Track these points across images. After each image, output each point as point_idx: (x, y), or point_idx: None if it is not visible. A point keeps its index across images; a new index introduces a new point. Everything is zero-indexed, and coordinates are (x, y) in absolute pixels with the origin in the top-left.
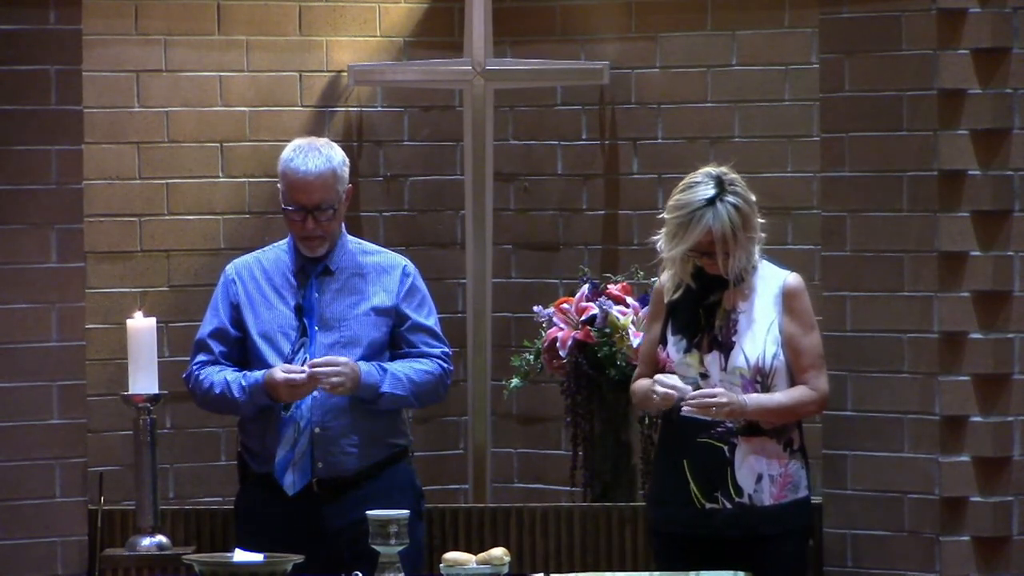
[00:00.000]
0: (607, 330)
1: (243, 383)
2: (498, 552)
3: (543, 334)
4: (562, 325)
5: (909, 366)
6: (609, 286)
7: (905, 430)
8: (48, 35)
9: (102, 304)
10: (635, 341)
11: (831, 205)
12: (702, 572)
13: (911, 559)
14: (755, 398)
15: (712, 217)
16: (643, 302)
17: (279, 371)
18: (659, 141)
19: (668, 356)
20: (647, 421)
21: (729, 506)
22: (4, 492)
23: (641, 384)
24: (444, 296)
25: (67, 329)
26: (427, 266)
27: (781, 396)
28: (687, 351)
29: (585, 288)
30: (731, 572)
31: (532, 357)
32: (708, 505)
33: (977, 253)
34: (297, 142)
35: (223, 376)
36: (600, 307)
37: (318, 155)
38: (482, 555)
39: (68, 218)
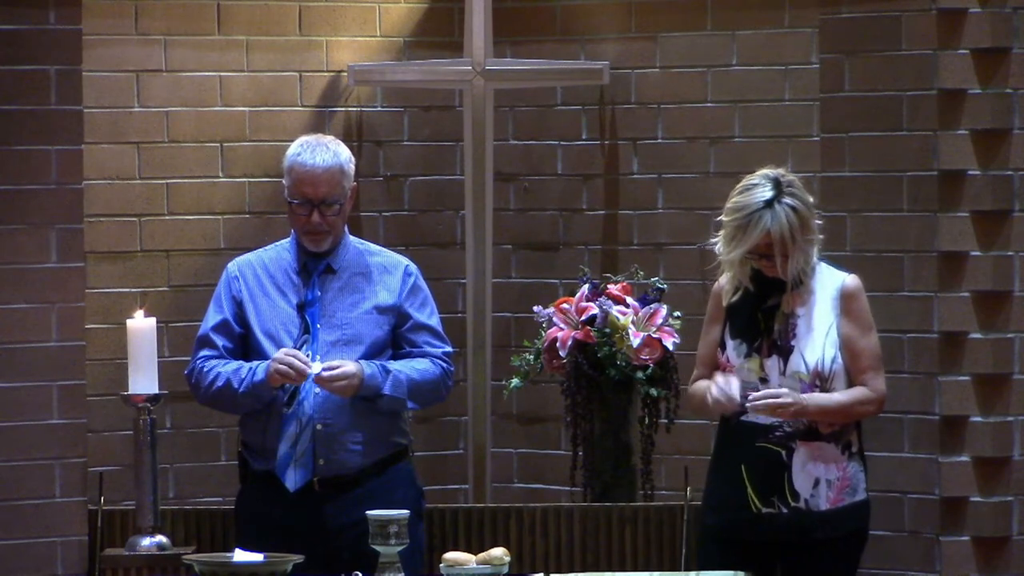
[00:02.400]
0: (607, 330)
1: (249, 369)
2: (498, 552)
3: (543, 334)
4: (562, 325)
5: (909, 366)
6: (609, 286)
7: (905, 430)
8: (48, 35)
9: (102, 304)
10: (635, 341)
11: (831, 205)
12: (702, 573)
13: (911, 559)
14: (815, 398)
15: (770, 219)
16: (643, 302)
17: (283, 354)
18: (659, 141)
19: (728, 360)
20: (647, 421)
21: (785, 511)
22: (4, 492)
23: (699, 387)
24: (444, 296)
25: (67, 329)
26: (427, 266)
27: (840, 396)
28: (747, 356)
29: (585, 288)
30: (731, 572)
31: (532, 357)
32: (764, 510)
33: (977, 253)
34: (304, 138)
35: (229, 367)
36: (600, 307)
37: (326, 150)
38: (482, 555)
39: (68, 218)
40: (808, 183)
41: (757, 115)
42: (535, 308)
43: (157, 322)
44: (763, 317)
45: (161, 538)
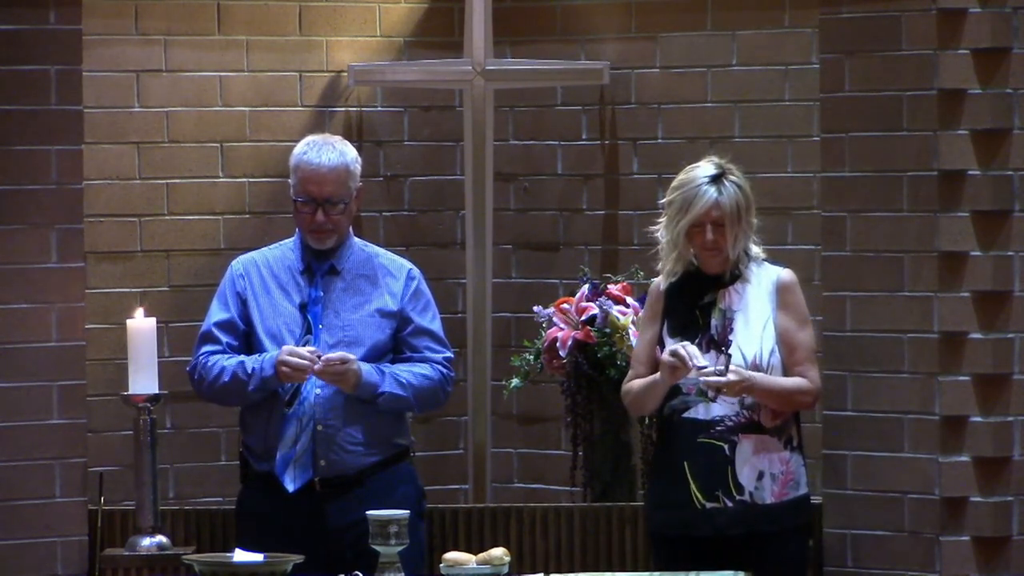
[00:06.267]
0: (607, 330)
1: (255, 365)
2: (498, 552)
3: (543, 334)
4: (562, 325)
5: (909, 366)
6: (609, 286)
7: (905, 430)
8: (48, 35)
9: (102, 304)
10: (635, 341)
11: (831, 205)
12: (702, 572)
13: (911, 559)
14: (761, 377)
15: (717, 191)
16: (643, 302)
17: (285, 352)
18: (659, 141)
19: None
20: (647, 421)
21: (730, 504)
22: (4, 492)
23: (637, 382)
24: (444, 296)
25: (67, 329)
26: (427, 266)
27: (784, 381)
28: None
29: (585, 288)
30: (731, 572)
31: (532, 357)
32: (709, 505)
33: (977, 253)
34: (311, 138)
35: (235, 361)
36: (600, 307)
37: (332, 149)
38: (482, 555)
39: (68, 218)
40: (808, 183)
41: (757, 115)
42: (535, 308)
43: (157, 322)
44: (700, 314)
45: (161, 538)
